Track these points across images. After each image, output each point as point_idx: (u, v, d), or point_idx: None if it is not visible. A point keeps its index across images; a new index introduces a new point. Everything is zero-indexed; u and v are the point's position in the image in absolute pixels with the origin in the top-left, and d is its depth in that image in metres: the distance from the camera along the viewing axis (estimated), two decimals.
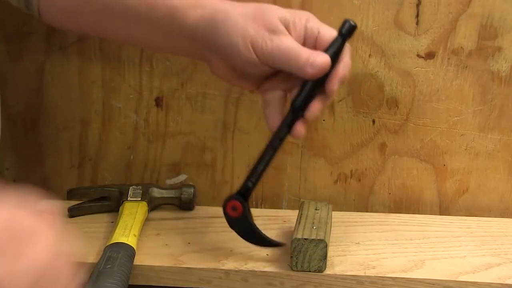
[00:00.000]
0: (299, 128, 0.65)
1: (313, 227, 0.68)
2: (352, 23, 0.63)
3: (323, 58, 0.62)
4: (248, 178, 0.67)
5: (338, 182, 0.87)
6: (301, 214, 0.72)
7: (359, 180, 0.87)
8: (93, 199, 0.82)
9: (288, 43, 0.62)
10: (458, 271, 0.68)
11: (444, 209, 0.87)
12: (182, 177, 0.87)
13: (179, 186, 0.84)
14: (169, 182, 0.87)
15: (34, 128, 0.86)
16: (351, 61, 0.65)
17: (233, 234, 0.74)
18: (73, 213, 0.80)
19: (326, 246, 0.66)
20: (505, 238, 0.77)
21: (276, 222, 0.80)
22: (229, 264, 0.68)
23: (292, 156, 0.86)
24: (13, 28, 0.82)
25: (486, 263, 0.71)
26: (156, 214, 0.81)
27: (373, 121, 0.84)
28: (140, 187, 0.81)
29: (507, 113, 0.82)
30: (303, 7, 0.79)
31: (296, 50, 0.62)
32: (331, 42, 0.63)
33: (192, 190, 0.83)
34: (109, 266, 0.62)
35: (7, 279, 0.38)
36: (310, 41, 0.64)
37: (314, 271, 0.66)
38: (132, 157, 0.87)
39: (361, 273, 0.67)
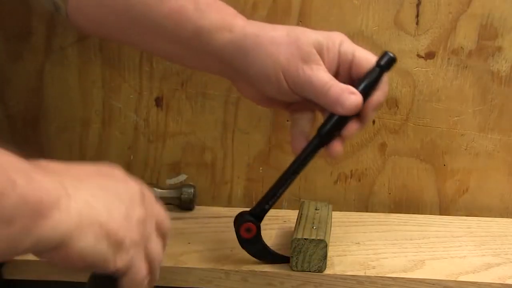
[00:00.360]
0: (337, 147, 0.63)
1: (313, 227, 0.68)
2: (392, 56, 0.62)
3: (354, 100, 0.60)
4: (265, 200, 0.65)
5: (338, 182, 0.87)
6: (301, 214, 0.72)
7: (359, 180, 0.87)
8: None
9: (320, 77, 0.60)
10: (458, 271, 0.68)
11: (444, 209, 0.87)
12: (182, 177, 0.87)
13: (179, 186, 0.84)
14: (169, 182, 0.87)
15: (34, 128, 0.86)
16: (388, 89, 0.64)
17: (233, 234, 0.74)
18: None
19: (326, 246, 0.65)
20: (505, 238, 0.77)
21: (276, 222, 0.80)
22: (229, 264, 0.68)
23: (292, 156, 0.85)
24: (13, 28, 0.82)
25: (486, 263, 0.71)
26: None
27: (373, 121, 0.84)
28: None
29: (507, 113, 0.82)
30: (303, 7, 0.79)
31: (327, 85, 0.60)
32: (367, 72, 0.61)
33: (192, 190, 0.83)
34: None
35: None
36: (344, 66, 0.62)
37: (314, 271, 0.66)
38: (132, 157, 0.87)
39: (361, 273, 0.67)
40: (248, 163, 0.87)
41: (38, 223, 0.41)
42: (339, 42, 0.62)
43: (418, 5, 0.79)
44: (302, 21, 0.80)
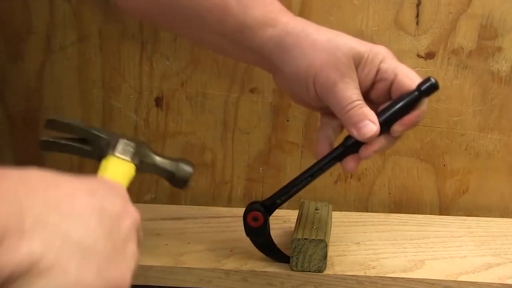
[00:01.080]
0: (351, 164, 0.62)
1: (313, 227, 0.68)
2: (434, 82, 0.60)
3: (370, 130, 0.59)
4: (278, 194, 0.66)
5: (338, 182, 0.87)
6: (301, 214, 0.72)
7: (359, 180, 0.87)
8: (73, 138, 0.64)
9: (347, 93, 0.59)
10: (458, 271, 0.68)
11: (444, 209, 0.87)
12: None
13: (176, 159, 0.67)
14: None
15: (34, 128, 0.86)
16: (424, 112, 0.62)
17: (234, 234, 0.74)
18: (44, 146, 0.65)
19: (326, 246, 0.65)
20: (505, 238, 0.77)
21: (276, 222, 0.80)
22: (229, 264, 0.68)
23: (292, 156, 0.86)
24: (13, 28, 0.82)
25: (486, 263, 0.71)
26: (156, 214, 0.81)
27: None
28: (133, 144, 0.62)
29: (507, 113, 0.82)
30: (303, 7, 0.79)
31: (350, 105, 0.59)
32: (405, 94, 0.60)
33: (190, 169, 0.66)
34: None
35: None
36: (383, 83, 0.61)
37: (314, 271, 0.66)
38: None
39: (361, 273, 0.67)
40: (248, 163, 0.87)
41: None
42: (381, 58, 0.61)
43: (418, 5, 0.79)
44: None
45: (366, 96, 0.62)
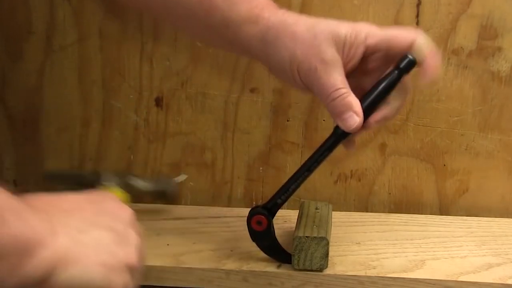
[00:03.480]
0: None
1: (314, 226, 0.68)
2: (412, 58, 0.60)
3: (353, 122, 0.60)
4: (278, 194, 0.66)
5: (338, 182, 0.87)
6: (302, 213, 0.72)
7: (359, 180, 0.87)
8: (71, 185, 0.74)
9: (330, 81, 0.60)
10: (459, 271, 0.68)
11: (444, 209, 0.87)
12: (182, 177, 0.87)
13: (158, 178, 0.78)
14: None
15: (34, 128, 0.86)
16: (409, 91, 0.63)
17: (234, 234, 0.74)
18: (48, 178, 0.77)
19: (327, 244, 0.65)
20: (506, 238, 0.77)
21: (276, 222, 0.79)
22: (230, 264, 0.68)
23: (292, 156, 0.86)
24: (13, 28, 0.82)
25: (487, 263, 0.71)
26: (156, 214, 0.81)
27: None
28: (117, 175, 0.73)
29: (507, 113, 0.82)
30: (303, 7, 0.79)
31: (335, 94, 0.60)
32: (385, 75, 0.61)
33: (175, 182, 0.77)
34: None
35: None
36: (376, 56, 0.62)
37: (316, 270, 0.66)
38: (132, 157, 0.87)
39: (362, 273, 0.67)
40: (248, 163, 0.87)
41: (24, 261, 0.43)
42: (364, 35, 0.60)
43: (418, 5, 0.79)
44: None
45: (363, 69, 0.62)
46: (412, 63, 0.60)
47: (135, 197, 0.75)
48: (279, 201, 0.66)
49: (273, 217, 0.66)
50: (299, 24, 0.61)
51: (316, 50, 0.60)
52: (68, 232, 0.47)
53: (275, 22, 0.61)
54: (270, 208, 0.66)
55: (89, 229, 0.50)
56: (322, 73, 0.59)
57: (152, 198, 0.78)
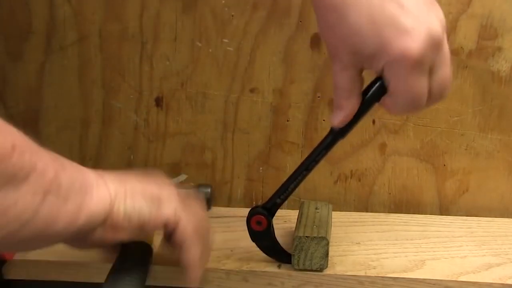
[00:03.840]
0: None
1: (314, 226, 0.68)
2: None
3: (337, 120, 0.60)
4: (277, 194, 0.66)
5: (338, 182, 0.87)
6: (302, 213, 0.72)
7: (359, 180, 0.87)
8: None
9: (336, 80, 0.59)
10: (459, 271, 0.68)
11: (444, 209, 0.87)
12: (182, 177, 0.87)
13: (196, 186, 0.83)
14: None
15: (34, 128, 0.86)
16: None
17: (234, 234, 0.74)
18: None
19: (327, 243, 0.65)
20: (506, 238, 0.77)
21: (276, 222, 0.79)
22: (230, 264, 0.68)
23: (292, 156, 0.86)
24: (13, 28, 0.82)
25: (487, 263, 0.71)
26: None
27: (373, 121, 0.84)
28: None
29: (507, 113, 0.82)
30: (303, 7, 0.79)
31: (335, 92, 0.59)
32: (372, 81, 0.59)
33: (209, 190, 0.82)
34: (127, 263, 0.62)
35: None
36: None
37: (316, 270, 0.66)
38: (132, 157, 0.87)
39: (362, 273, 0.67)
40: (248, 163, 0.87)
41: (86, 199, 0.50)
42: None
43: None
44: (302, 21, 0.80)
45: None
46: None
47: None
48: (278, 200, 0.66)
49: (272, 217, 0.66)
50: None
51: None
52: (112, 176, 0.55)
53: None
54: (269, 208, 0.66)
55: (130, 178, 0.57)
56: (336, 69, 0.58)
57: None
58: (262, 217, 0.66)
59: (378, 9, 0.54)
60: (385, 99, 0.58)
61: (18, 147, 0.44)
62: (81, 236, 0.52)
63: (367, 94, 0.59)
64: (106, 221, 0.52)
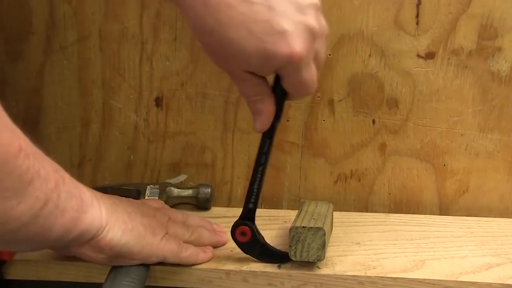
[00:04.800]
0: None
1: (312, 219, 0.68)
2: None
3: (260, 124, 0.63)
4: (247, 199, 0.66)
5: (338, 182, 0.87)
6: (301, 210, 0.72)
7: (359, 180, 0.87)
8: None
9: (242, 91, 0.63)
10: (459, 271, 0.68)
11: (444, 209, 0.87)
12: (182, 177, 0.87)
13: (196, 186, 0.84)
14: (169, 182, 0.87)
15: (34, 128, 0.86)
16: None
17: None
18: None
19: (324, 234, 0.65)
20: (506, 238, 0.77)
21: (276, 222, 0.80)
22: (230, 265, 0.68)
23: (292, 156, 0.86)
24: (13, 28, 0.82)
25: (487, 263, 0.71)
26: None
27: (373, 121, 0.84)
28: (157, 186, 0.82)
29: (507, 113, 0.82)
30: None
31: (247, 100, 0.63)
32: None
33: (209, 189, 0.83)
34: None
35: None
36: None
37: (313, 260, 0.66)
38: (132, 157, 0.87)
39: (362, 273, 0.67)
40: (248, 163, 0.86)
41: (81, 216, 0.52)
42: None
43: (418, 5, 0.79)
44: None
45: None
46: None
47: (172, 205, 0.82)
48: (251, 205, 0.66)
49: (253, 223, 0.67)
50: None
51: None
52: (106, 200, 0.57)
53: None
54: (247, 216, 0.67)
55: (120, 202, 0.60)
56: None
57: (185, 204, 0.84)
58: (244, 227, 0.66)
59: (251, 18, 0.54)
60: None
61: (24, 150, 0.46)
62: (66, 247, 0.55)
63: (275, 91, 0.63)
64: (91, 241, 0.55)
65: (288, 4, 0.55)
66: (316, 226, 0.65)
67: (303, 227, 0.65)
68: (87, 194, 0.55)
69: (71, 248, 0.56)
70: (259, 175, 0.66)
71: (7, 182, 0.44)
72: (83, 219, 0.53)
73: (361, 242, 0.75)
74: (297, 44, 0.55)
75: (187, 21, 0.59)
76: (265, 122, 0.63)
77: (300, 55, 0.56)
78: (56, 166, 0.51)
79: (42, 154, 0.50)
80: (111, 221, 0.57)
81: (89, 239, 0.55)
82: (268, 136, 0.65)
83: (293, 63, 0.57)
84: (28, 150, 0.46)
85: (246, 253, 0.68)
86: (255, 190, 0.66)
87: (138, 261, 0.60)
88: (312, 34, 0.57)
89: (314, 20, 0.57)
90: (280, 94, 0.63)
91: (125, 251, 0.58)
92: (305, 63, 0.58)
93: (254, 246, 0.67)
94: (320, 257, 0.66)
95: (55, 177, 0.49)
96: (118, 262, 0.60)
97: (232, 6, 0.54)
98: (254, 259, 0.68)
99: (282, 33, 0.55)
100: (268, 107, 0.62)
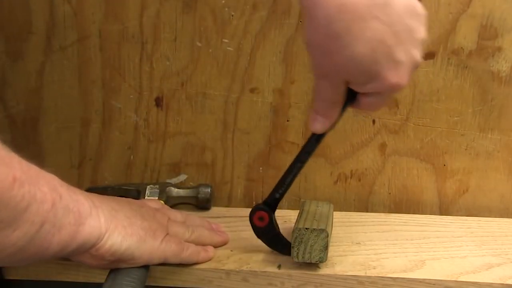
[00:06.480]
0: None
1: (314, 220, 0.68)
2: None
3: (320, 126, 0.63)
4: (276, 189, 0.67)
5: (338, 182, 0.87)
6: (302, 210, 0.72)
7: (359, 180, 0.87)
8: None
9: (322, 93, 0.62)
10: (459, 271, 0.68)
11: (444, 209, 0.87)
12: (182, 177, 0.87)
13: (196, 186, 0.84)
14: (169, 182, 0.87)
15: (34, 128, 0.86)
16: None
17: (234, 234, 0.74)
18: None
19: (327, 236, 0.65)
20: (506, 238, 0.77)
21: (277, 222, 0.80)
22: (230, 264, 0.68)
23: (292, 156, 0.85)
24: (13, 28, 0.82)
25: (487, 263, 0.71)
26: None
27: (373, 121, 0.84)
28: (157, 186, 0.82)
29: (507, 113, 0.82)
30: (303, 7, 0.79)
31: (319, 102, 0.63)
32: None
33: (209, 189, 0.83)
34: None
35: None
36: None
37: (316, 262, 0.66)
38: (132, 157, 0.87)
39: (362, 273, 0.67)
40: (248, 163, 0.87)
41: (79, 229, 0.53)
42: None
43: None
44: (302, 21, 0.80)
45: None
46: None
47: (172, 205, 0.82)
48: (277, 195, 0.67)
49: (274, 212, 0.68)
50: None
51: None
52: (105, 207, 0.58)
53: None
54: (270, 203, 0.68)
55: (119, 207, 0.61)
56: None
57: (185, 204, 0.84)
58: (264, 212, 0.67)
59: (378, 38, 0.55)
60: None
61: (18, 180, 0.46)
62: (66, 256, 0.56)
63: (346, 101, 0.63)
64: (91, 249, 0.56)
65: (407, 33, 0.56)
66: (319, 227, 0.65)
67: (306, 228, 0.66)
68: (85, 204, 0.55)
69: (71, 257, 0.57)
70: (295, 171, 0.67)
71: (2, 213, 0.45)
72: (81, 231, 0.54)
73: (361, 242, 0.75)
74: (405, 77, 0.57)
75: (307, 16, 0.59)
76: (327, 126, 0.63)
77: (402, 87, 0.58)
78: (52, 183, 0.51)
79: (39, 173, 0.50)
80: (111, 228, 0.57)
81: (89, 248, 0.56)
82: (317, 138, 0.65)
83: (393, 91, 0.59)
84: (23, 177, 0.47)
85: (259, 238, 0.69)
86: (286, 183, 0.67)
87: (140, 264, 0.61)
88: (415, 68, 0.59)
89: (420, 54, 0.59)
90: (347, 104, 0.63)
91: (126, 256, 0.59)
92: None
93: (268, 233, 0.69)
94: (323, 259, 0.66)
95: (52, 196, 0.50)
96: (119, 266, 0.60)
97: (365, 21, 0.54)
98: (254, 259, 0.68)
99: (397, 63, 0.56)
100: (336, 114, 0.63)
